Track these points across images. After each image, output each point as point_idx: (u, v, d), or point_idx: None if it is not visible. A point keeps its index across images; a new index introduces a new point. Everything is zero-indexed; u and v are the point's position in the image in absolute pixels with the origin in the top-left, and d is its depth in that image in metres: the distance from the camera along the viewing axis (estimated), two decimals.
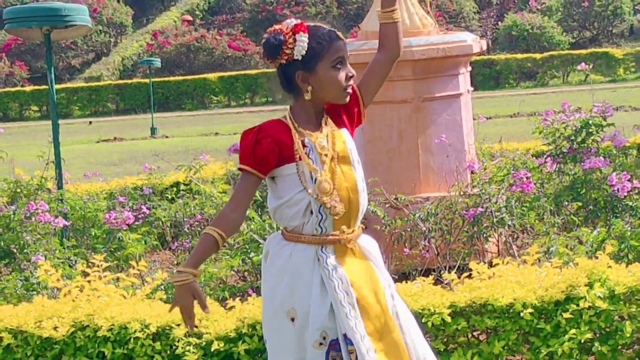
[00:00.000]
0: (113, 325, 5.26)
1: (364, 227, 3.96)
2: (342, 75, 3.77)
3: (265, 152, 3.73)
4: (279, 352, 3.82)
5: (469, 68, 8.15)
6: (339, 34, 3.82)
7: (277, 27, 3.77)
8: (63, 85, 37.70)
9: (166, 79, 37.30)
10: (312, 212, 3.75)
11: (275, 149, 3.74)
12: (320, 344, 3.72)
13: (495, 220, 7.25)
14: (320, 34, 3.78)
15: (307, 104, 3.82)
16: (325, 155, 3.78)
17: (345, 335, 3.68)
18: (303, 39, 3.72)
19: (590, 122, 8.36)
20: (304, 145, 3.77)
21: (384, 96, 7.25)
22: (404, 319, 3.86)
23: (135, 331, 5.22)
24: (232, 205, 3.77)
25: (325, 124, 3.85)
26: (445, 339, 5.13)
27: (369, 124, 7.50)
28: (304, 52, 3.73)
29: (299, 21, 3.77)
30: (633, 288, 5.15)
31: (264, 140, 3.74)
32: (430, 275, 5.88)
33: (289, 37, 3.72)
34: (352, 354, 3.68)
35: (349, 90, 3.81)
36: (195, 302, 3.73)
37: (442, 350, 5.07)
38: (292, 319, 3.76)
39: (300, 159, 3.76)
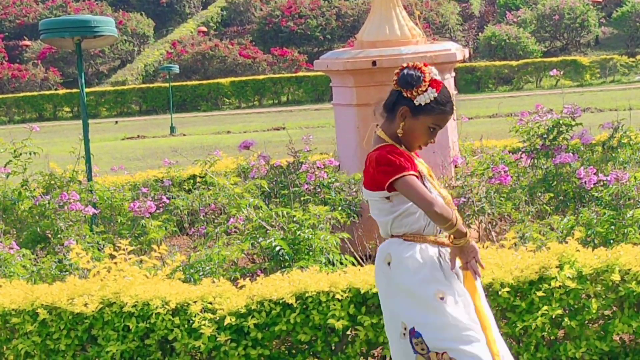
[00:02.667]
0: (137, 302, 5.27)
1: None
2: (427, 137, 3.95)
3: (410, 161, 3.92)
4: (444, 325, 3.89)
5: (453, 74, 8.15)
6: (454, 108, 4.04)
7: (424, 67, 3.90)
8: (92, 89, 37.68)
9: (184, 83, 37.25)
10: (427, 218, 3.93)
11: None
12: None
13: (476, 209, 7.26)
14: (444, 99, 3.92)
15: (395, 139, 3.98)
16: (432, 177, 4.04)
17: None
18: (432, 94, 3.87)
19: (560, 122, 8.37)
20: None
21: (377, 99, 7.23)
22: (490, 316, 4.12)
23: (156, 307, 5.22)
24: (428, 200, 3.86)
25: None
26: None
27: (364, 124, 7.49)
28: (424, 102, 3.87)
29: (439, 78, 3.90)
30: (598, 269, 5.15)
31: (404, 154, 3.93)
32: None
33: (425, 85, 3.86)
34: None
35: (422, 148, 4.02)
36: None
37: None
38: (442, 298, 3.89)
39: (420, 177, 3.93)
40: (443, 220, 3.84)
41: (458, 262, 3.96)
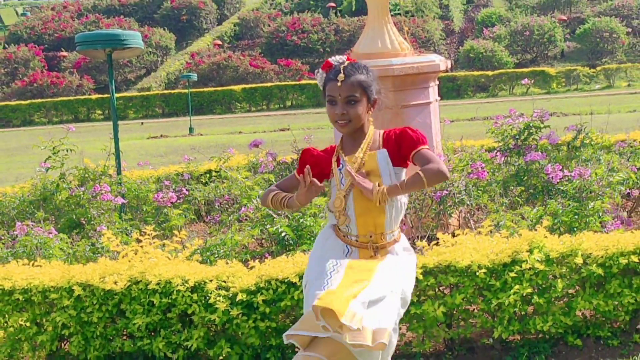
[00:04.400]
0: (160, 280, 5.27)
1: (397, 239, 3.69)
2: (331, 111, 3.58)
3: (302, 163, 3.73)
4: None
5: (437, 82, 8.13)
6: (339, 75, 3.56)
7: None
8: (121, 94, 37.66)
9: (201, 89, 37.25)
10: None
11: (312, 163, 3.67)
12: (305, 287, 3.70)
13: (456, 200, 7.25)
14: (330, 72, 3.60)
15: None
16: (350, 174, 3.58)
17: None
18: (319, 74, 3.63)
19: (530, 124, 8.37)
20: (338, 164, 3.63)
21: None
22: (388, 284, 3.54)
23: (177, 285, 5.22)
24: (277, 183, 3.83)
25: (367, 146, 3.63)
26: (417, 293, 5.13)
27: None
28: (320, 85, 3.63)
29: (340, 59, 3.61)
30: (564, 253, 5.15)
31: (309, 159, 3.72)
32: None
33: (317, 71, 3.66)
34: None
35: (338, 123, 3.58)
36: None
37: (415, 301, 5.08)
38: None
39: (333, 175, 3.65)
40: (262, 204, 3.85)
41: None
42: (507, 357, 5.14)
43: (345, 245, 3.65)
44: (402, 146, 3.62)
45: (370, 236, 3.61)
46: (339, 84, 3.56)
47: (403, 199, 3.67)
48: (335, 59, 3.63)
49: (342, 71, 3.57)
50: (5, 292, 5.47)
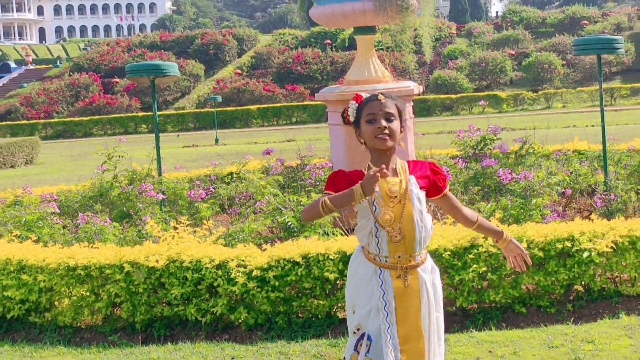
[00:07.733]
0: (192, 259, 5.27)
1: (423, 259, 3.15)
2: (372, 127, 3.07)
3: (341, 185, 3.12)
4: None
5: (412, 103, 8.14)
6: (379, 96, 3.11)
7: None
8: (161, 112, 37.62)
9: (225, 109, 37.20)
10: (373, 235, 3.09)
11: (344, 181, 3.13)
12: (354, 332, 3.08)
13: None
14: (365, 100, 3.13)
15: (374, 154, 3.14)
16: (395, 195, 3.07)
17: (373, 331, 3.02)
18: (353, 105, 3.14)
19: (486, 137, 8.38)
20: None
21: None
22: (434, 331, 3.14)
23: (205, 263, 5.23)
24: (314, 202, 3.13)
25: (401, 169, 3.14)
26: None
27: (350, 138, 7.47)
28: (354, 115, 3.15)
29: (366, 95, 3.16)
30: None
31: (341, 177, 3.15)
32: None
33: (348, 107, 3.17)
34: (367, 347, 3.01)
35: (380, 137, 3.06)
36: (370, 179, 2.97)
37: None
38: (353, 312, 3.15)
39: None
40: (304, 219, 3.18)
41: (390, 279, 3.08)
42: (467, 322, 5.15)
43: (376, 267, 3.09)
44: (437, 180, 3.20)
45: (399, 257, 3.07)
46: (382, 100, 3.11)
47: (430, 222, 3.16)
48: (364, 94, 3.21)
49: (380, 95, 3.16)
50: (70, 268, 5.48)
